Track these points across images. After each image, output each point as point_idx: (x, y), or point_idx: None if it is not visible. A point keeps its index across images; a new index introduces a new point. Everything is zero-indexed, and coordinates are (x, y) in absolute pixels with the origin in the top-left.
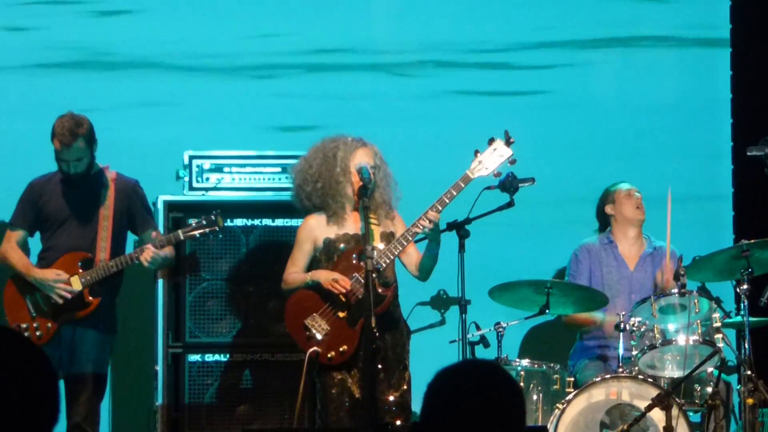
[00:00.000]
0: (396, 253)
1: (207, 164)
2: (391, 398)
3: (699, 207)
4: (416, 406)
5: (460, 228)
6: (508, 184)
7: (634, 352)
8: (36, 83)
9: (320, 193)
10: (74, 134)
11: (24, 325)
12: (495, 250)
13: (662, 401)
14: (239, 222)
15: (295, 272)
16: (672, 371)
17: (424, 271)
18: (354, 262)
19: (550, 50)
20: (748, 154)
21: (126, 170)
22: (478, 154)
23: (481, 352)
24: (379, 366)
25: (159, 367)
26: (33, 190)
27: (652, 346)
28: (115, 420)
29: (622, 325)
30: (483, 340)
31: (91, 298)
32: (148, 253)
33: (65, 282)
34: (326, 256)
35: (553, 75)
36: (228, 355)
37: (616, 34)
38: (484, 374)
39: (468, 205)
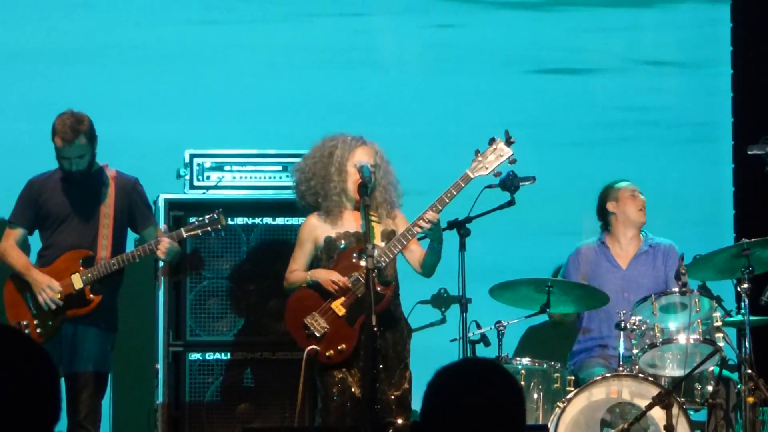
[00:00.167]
0: (395, 252)
1: (208, 162)
2: (392, 397)
3: (699, 205)
4: (417, 404)
5: (460, 227)
6: (509, 182)
7: (635, 351)
8: (36, 81)
9: (312, 192)
10: (76, 131)
11: (24, 323)
12: (496, 248)
13: (663, 400)
14: (240, 220)
15: (297, 271)
16: (672, 370)
17: (428, 268)
18: (354, 260)
19: (550, 49)
20: (749, 152)
21: (127, 168)
22: (479, 154)
23: (481, 351)
24: (380, 365)
25: (160, 366)
26: (32, 188)
27: (653, 345)
28: (115, 418)
29: (622, 324)
30: (484, 339)
31: (92, 296)
32: (164, 244)
33: (55, 292)
34: (327, 254)
35: (554, 74)
36: (229, 354)
37: (616, 32)
38: (484, 373)
39: (469, 203)
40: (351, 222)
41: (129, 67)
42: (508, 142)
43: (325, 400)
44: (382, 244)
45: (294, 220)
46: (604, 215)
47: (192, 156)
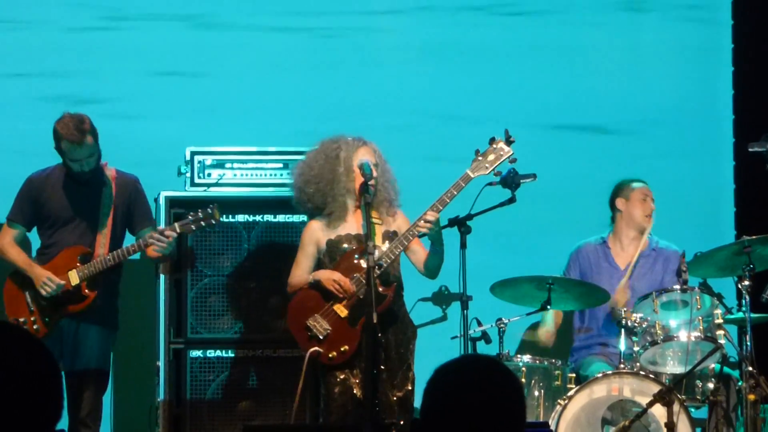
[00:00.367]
0: (397, 252)
1: (209, 160)
2: (394, 398)
3: (700, 203)
4: (418, 403)
5: (461, 224)
6: (510, 180)
7: (636, 348)
8: (36, 80)
9: (322, 193)
10: (82, 131)
11: (22, 319)
12: (496, 246)
13: (664, 397)
14: (241, 218)
15: (299, 275)
16: (674, 367)
17: (432, 271)
18: (355, 262)
19: (550, 48)
20: (750, 150)
21: (128, 166)
22: (479, 154)
23: (482, 348)
24: (381, 366)
25: (161, 363)
26: (32, 186)
27: (654, 342)
28: (116, 416)
29: (623, 322)
30: (484, 336)
31: (87, 291)
32: (155, 239)
33: (55, 284)
34: (329, 257)
35: (554, 73)
36: (229, 351)
37: (616, 29)
38: (483, 369)
39: (469, 201)
40: (352, 224)
41: (129, 65)
42: (508, 142)
43: (327, 401)
44: (384, 245)
45: (295, 218)
46: (612, 209)
47: (193, 153)
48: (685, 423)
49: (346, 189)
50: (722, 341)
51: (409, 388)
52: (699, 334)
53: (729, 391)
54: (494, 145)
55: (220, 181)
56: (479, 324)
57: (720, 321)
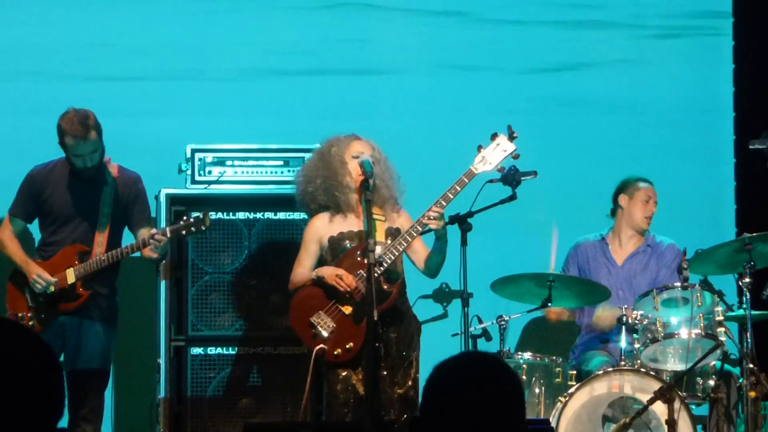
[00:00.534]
0: (401, 249)
1: (209, 157)
2: (396, 395)
3: (701, 200)
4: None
5: (462, 221)
6: (511, 177)
7: (637, 346)
8: (36, 78)
9: (322, 189)
10: (86, 126)
11: (20, 314)
12: (497, 243)
13: (664, 394)
14: (241, 215)
15: (302, 272)
16: (674, 364)
17: (433, 268)
18: (358, 259)
19: (550, 46)
20: (750, 147)
21: (128, 163)
22: (482, 150)
23: (483, 346)
24: (382, 363)
25: (161, 361)
26: (34, 180)
27: (655, 340)
28: (117, 413)
29: (624, 319)
30: (485, 334)
31: (81, 290)
32: (148, 237)
33: (44, 281)
34: (332, 254)
35: (555, 71)
36: (230, 349)
37: (616, 27)
38: (483, 367)
39: (470, 198)
40: (354, 221)
41: (130, 63)
42: (511, 137)
43: (329, 398)
44: (387, 242)
45: (296, 215)
46: (614, 203)
47: (193, 151)
48: (686, 420)
49: (341, 184)
50: (723, 338)
51: (410, 384)
52: (700, 331)
53: (730, 389)
54: (497, 141)
55: (221, 179)
56: (480, 321)
57: (721, 318)
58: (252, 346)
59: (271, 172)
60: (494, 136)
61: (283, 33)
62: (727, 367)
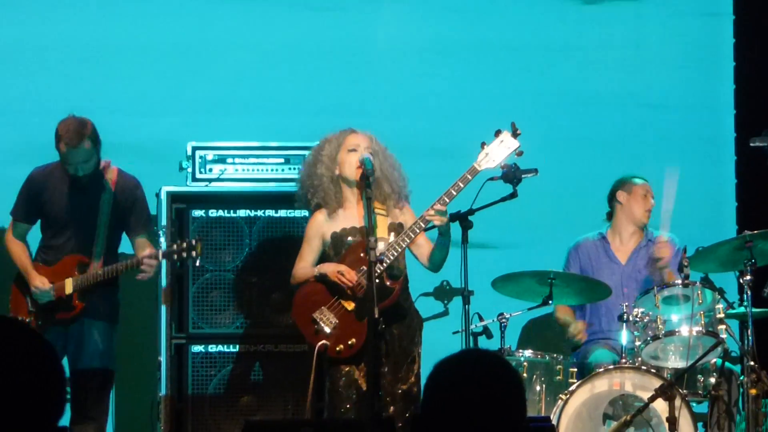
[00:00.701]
0: (404, 246)
1: (210, 155)
2: (399, 391)
3: (702, 198)
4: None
5: (463, 219)
6: (511, 175)
7: (638, 343)
8: (37, 77)
9: (320, 184)
10: (80, 135)
11: (20, 318)
12: (498, 240)
13: (665, 392)
14: (242, 213)
15: (304, 267)
16: (675, 362)
17: (436, 263)
18: (361, 255)
19: (550, 42)
20: (751, 145)
21: (129, 161)
22: (485, 146)
23: (484, 343)
24: (384, 359)
25: (162, 358)
26: (33, 184)
27: (656, 337)
28: (118, 411)
29: (625, 316)
30: (486, 331)
31: (77, 302)
32: (142, 260)
33: (42, 290)
34: (334, 250)
35: (554, 69)
36: (231, 347)
37: (617, 24)
38: (484, 364)
39: (471, 196)
40: (356, 216)
41: (131, 60)
42: (515, 134)
43: (332, 394)
44: (390, 237)
45: (297, 213)
46: (611, 202)
47: (194, 148)
48: (687, 418)
49: (338, 178)
50: (724, 336)
51: (413, 380)
52: (700, 328)
53: (730, 386)
54: (500, 138)
55: (222, 176)
56: (481, 319)
57: (721, 316)
58: (253, 344)
59: (272, 170)
60: (498, 133)
61: (283, 30)
62: (727, 364)
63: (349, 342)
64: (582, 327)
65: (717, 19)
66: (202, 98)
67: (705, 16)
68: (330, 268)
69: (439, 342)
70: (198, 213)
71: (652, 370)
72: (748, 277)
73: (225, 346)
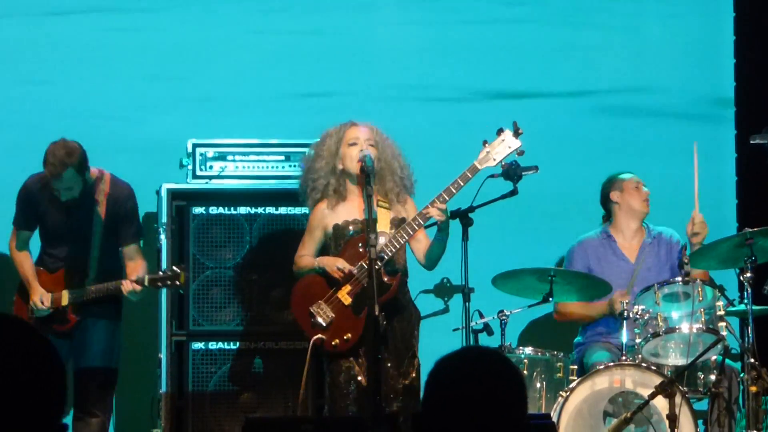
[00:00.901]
0: (402, 241)
1: (210, 152)
2: (400, 386)
3: (702, 195)
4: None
5: (463, 216)
6: (512, 172)
7: (638, 340)
8: (37, 75)
9: (320, 177)
10: (64, 164)
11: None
12: (498, 238)
13: (666, 389)
14: (243, 210)
15: (305, 256)
16: (675, 359)
17: (431, 260)
18: (361, 249)
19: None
20: (752, 142)
21: (129, 159)
22: (486, 145)
23: (484, 340)
24: (385, 355)
25: (162, 356)
26: (28, 195)
27: (656, 334)
28: (119, 408)
29: (625, 313)
30: (486, 328)
31: (72, 315)
32: (126, 287)
33: (43, 305)
34: (335, 242)
35: (555, 68)
36: (231, 344)
37: (617, 21)
38: (485, 361)
39: (471, 193)
40: (359, 210)
41: (131, 58)
42: (516, 134)
43: (332, 389)
44: (391, 232)
45: (297, 210)
46: (607, 205)
47: (195, 146)
48: (687, 415)
49: (336, 171)
50: (724, 333)
51: (414, 375)
52: (701, 326)
53: (731, 383)
54: (502, 137)
55: (222, 174)
56: (481, 316)
57: (722, 313)
58: (253, 341)
59: (273, 167)
60: (500, 132)
61: (283, 28)
62: (728, 361)
63: (345, 337)
64: (618, 296)
65: (718, 16)
66: (202, 95)
67: (706, 13)
68: (329, 264)
69: (439, 339)
70: (198, 210)
71: (653, 368)
72: (749, 275)
73: (225, 344)
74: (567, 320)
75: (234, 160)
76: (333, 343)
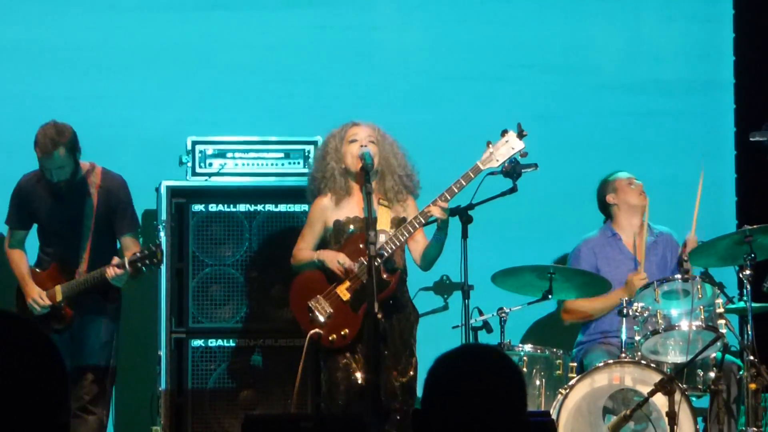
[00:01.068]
0: (402, 240)
1: (210, 149)
2: (398, 384)
3: (702, 193)
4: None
5: (463, 214)
6: (512, 169)
7: (637, 338)
8: (37, 73)
9: (328, 180)
10: (55, 143)
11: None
12: (498, 235)
13: (665, 386)
14: (242, 207)
15: (304, 249)
16: (675, 356)
17: (428, 260)
18: (361, 246)
19: (551, 40)
20: (751, 139)
21: (129, 156)
22: (490, 146)
23: (484, 338)
24: (384, 352)
25: (162, 353)
26: (21, 193)
27: (655, 332)
28: (118, 405)
29: (625, 311)
30: (486, 326)
31: (67, 310)
32: (111, 272)
33: (39, 305)
34: (335, 239)
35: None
36: (231, 341)
37: (617, 19)
38: (484, 359)
39: (471, 190)
40: (360, 207)
41: (131, 55)
42: (520, 135)
43: (329, 386)
44: (391, 231)
45: (296, 207)
46: (606, 209)
47: (194, 143)
48: (687, 412)
49: (341, 169)
50: (723, 330)
51: (412, 373)
52: (700, 323)
53: (730, 381)
54: (506, 138)
55: (222, 171)
56: (480, 313)
57: (721, 310)
58: (252, 338)
59: (272, 164)
60: (504, 133)
61: (283, 26)
62: (727, 358)
63: (342, 332)
64: (633, 276)
65: (717, 14)
66: (202, 93)
67: (705, 10)
68: (329, 257)
69: (438, 336)
70: (198, 207)
71: (652, 365)
72: (748, 272)
73: (225, 341)
74: (576, 319)
75: (233, 158)
76: (330, 338)
